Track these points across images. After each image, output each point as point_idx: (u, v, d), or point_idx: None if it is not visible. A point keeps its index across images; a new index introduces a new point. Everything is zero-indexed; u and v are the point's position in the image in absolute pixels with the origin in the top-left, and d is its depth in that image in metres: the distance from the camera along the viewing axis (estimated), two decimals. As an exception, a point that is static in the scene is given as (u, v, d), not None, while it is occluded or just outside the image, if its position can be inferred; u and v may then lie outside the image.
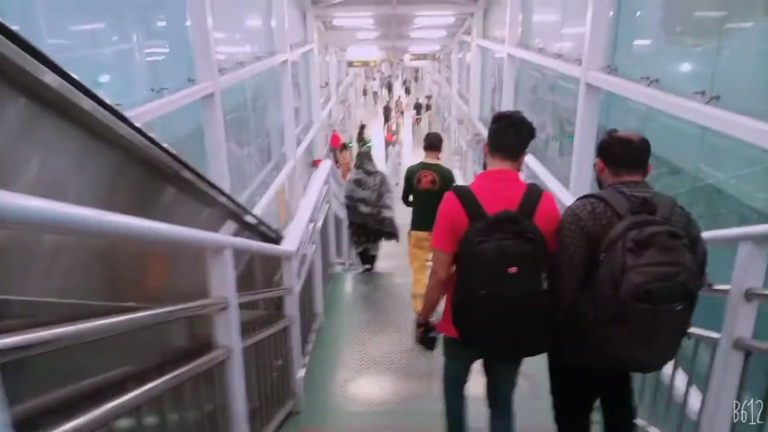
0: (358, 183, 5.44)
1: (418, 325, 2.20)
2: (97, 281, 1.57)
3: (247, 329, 2.51)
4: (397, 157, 15.54)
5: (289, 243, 2.99)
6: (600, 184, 1.94)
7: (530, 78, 10.57)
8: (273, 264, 3.21)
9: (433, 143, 4.33)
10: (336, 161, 15.66)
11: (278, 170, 10.47)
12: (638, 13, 5.64)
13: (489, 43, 12.94)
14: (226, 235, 1.77)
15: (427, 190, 4.23)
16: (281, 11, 9.90)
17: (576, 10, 6.88)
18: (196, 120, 6.17)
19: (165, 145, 1.87)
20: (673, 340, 1.72)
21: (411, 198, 4.38)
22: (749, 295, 1.89)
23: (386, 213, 5.60)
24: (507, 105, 11.71)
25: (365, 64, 19.92)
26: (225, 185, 6.43)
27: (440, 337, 2.18)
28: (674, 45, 4.95)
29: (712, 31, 4.34)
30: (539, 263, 1.76)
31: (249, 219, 3.23)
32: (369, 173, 5.46)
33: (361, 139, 19.41)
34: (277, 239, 3.45)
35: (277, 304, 3.08)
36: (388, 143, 19.31)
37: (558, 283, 1.81)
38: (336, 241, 5.38)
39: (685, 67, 4.92)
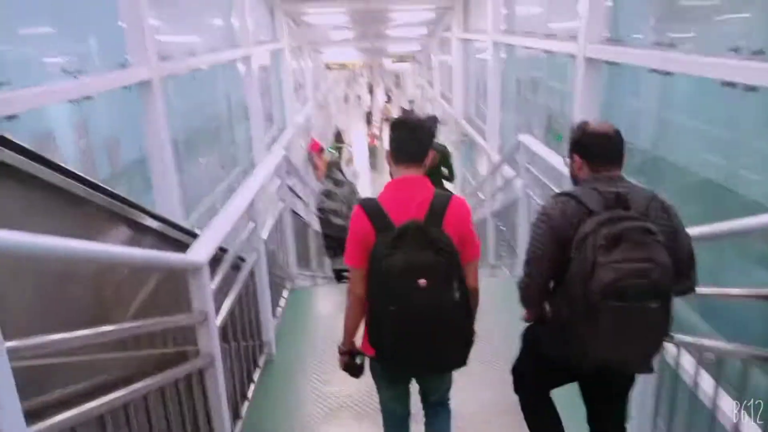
0: (327, 195, 5.04)
1: (341, 353, 2.02)
2: None
3: (102, 387, 1.60)
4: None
5: (198, 250, 2.05)
6: (575, 181, 1.84)
7: (514, 80, 9.93)
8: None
9: None
10: (314, 166, 14.86)
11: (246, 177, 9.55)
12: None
13: (471, 35, 12.21)
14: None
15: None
16: (242, 3, 9.02)
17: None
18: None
19: None
20: (651, 340, 1.65)
21: None
22: None
23: None
24: (493, 104, 10.95)
25: (343, 66, 19.07)
26: (173, 192, 5.48)
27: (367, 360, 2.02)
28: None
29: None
30: (450, 274, 1.67)
31: (149, 223, 2.32)
32: (338, 183, 5.04)
33: (338, 146, 18.59)
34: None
35: (189, 338, 2.16)
36: (372, 147, 18.46)
37: (526, 280, 1.81)
38: (299, 248, 4.45)
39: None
